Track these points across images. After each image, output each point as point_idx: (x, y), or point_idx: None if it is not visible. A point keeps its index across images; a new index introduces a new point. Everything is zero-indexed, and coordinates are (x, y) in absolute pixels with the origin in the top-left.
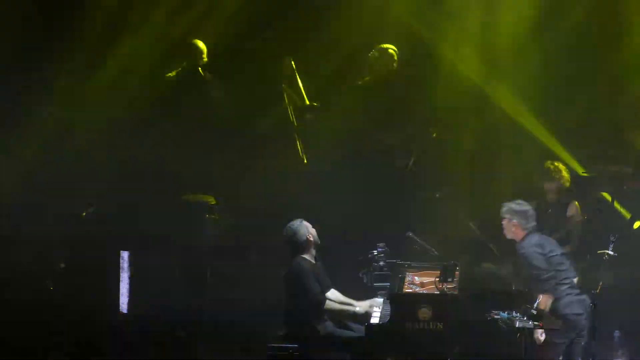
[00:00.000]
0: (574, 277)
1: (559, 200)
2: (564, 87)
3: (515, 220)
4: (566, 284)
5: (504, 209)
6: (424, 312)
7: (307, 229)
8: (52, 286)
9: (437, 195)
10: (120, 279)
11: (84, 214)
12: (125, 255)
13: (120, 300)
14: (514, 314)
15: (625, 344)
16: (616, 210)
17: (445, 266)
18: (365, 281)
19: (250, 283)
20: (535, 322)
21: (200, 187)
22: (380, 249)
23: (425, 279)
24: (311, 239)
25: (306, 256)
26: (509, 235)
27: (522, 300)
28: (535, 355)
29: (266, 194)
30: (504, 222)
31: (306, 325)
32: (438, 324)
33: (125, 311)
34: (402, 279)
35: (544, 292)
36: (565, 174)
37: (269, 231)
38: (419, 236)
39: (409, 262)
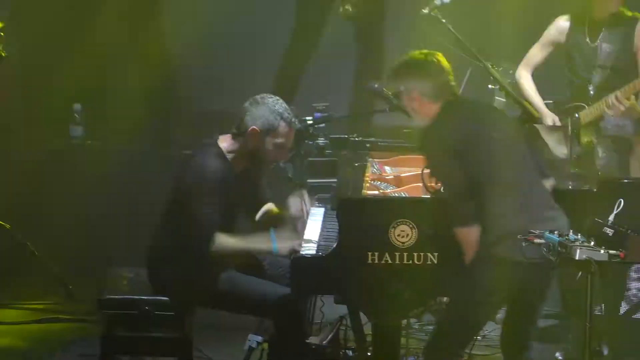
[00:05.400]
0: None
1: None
2: None
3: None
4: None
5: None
6: (404, 233)
7: (283, 114)
8: None
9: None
10: None
11: None
12: None
13: None
14: (571, 235)
15: None
16: None
17: None
18: (290, 174)
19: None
20: (611, 252)
21: None
22: (319, 115)
23: (405, 170)
24: (278, 139)
25: (232, 153)
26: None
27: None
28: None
29: None
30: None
31: (185, 274)
32: (429, 254)
33: None
34: (362, 171)
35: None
36: None
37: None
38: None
39: (373, 139)
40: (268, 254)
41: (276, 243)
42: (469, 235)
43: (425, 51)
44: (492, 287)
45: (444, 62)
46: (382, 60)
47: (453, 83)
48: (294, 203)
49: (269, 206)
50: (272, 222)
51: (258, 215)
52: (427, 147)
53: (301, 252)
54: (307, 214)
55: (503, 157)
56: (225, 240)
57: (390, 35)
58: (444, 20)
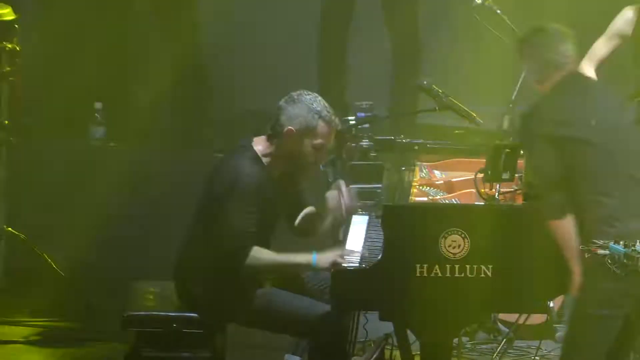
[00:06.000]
0: None
1: None
2: None
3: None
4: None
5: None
6: (455, 243)
7: (322, 113)
8: None
9: None
10: None
11: None
12: None
13: None
14: (637, 245)
15: None
16: None
17: (496, 149)
18: (330, 179)
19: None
20: None
21: None
22: (363, 114)
23: (457, 175)
24: (317, 140)
25: (268, 156)
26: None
27: None
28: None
29: None
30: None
31: (216, 288)
32: (483, 267)
33: None
34: (409, 175)
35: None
36: None
37: None
38: (441, 87)
39: (421, 141)
40: (307, 268)
41: (316, 255)
42: (560, 229)
43: (536, 27)
44: (609, 297)
45: (554, 37)
46: (419, 55)
47: (564, 59)
48: (331, 196)
49: (309, 209)
50: (313, 224)
51: (297, 220)
52: (521, 129)
53: (343, 264)
54: (348, 203)
55: (617, 149)
56: (260, 253)
57: (427, 26)
58: (498, 11)
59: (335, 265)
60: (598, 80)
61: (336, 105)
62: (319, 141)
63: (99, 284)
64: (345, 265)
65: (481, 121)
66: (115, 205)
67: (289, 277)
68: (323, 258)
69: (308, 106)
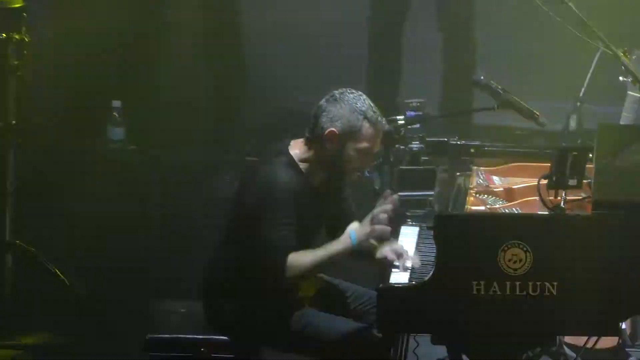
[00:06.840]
0: None
1: None
2: None
3: None
4: None
5: None
6: (516, 257)
7: (367, 113)
8: None
9: None
10: None
11: None
12: None
13: None
14: None
15: None
16: None
17: (561, 151)
18: (377, 186)
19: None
20: None
21: None
22: (413, 113)
23: (518, 181)
24: (361, 144)
25: (306, 162)
26: None
27: None
28: None
29: None
30: None
31: (248, 308)
32: (547, 284)
33: None
34: (465, 182)
35: None
36: None
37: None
38: (500, 83)
39: (478, 143)
40: (349, 253)
41: (355, 235)
42: None
43: None
44: None
45: None
46: (471, 49)
47: None
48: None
49: (355, 226)
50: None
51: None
52: None
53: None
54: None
55: None
56: (298, 260)
57: (486, 18)
58: None
59: (378, 240)
60: None
61: (388, 106)
62: (363, 144)
63: (118, 302)
64: (392, 282)
65: (546, 121)
66: (135, 215)
67: (330, 296)
68: (361, 235)
69: (351, 105)
